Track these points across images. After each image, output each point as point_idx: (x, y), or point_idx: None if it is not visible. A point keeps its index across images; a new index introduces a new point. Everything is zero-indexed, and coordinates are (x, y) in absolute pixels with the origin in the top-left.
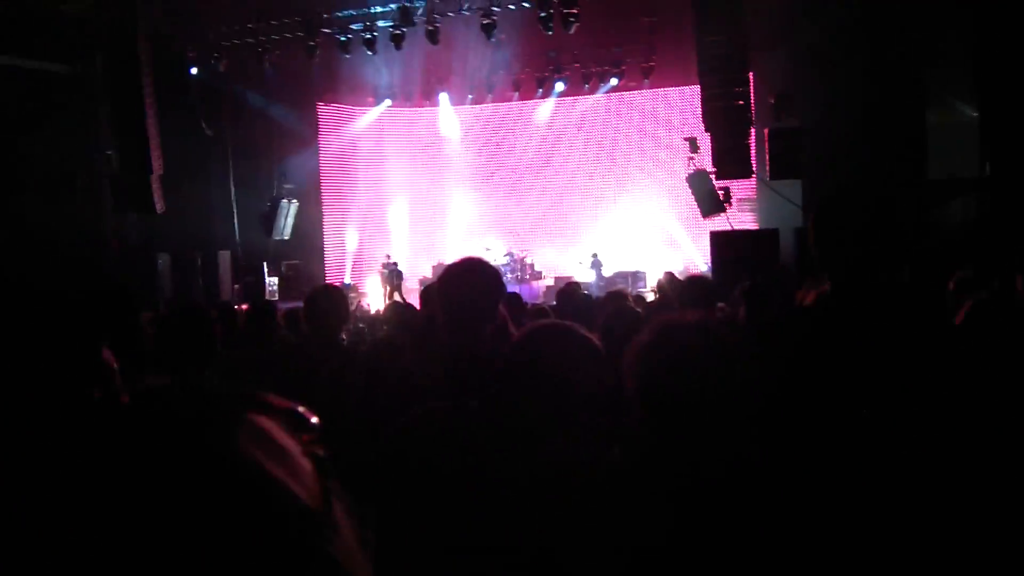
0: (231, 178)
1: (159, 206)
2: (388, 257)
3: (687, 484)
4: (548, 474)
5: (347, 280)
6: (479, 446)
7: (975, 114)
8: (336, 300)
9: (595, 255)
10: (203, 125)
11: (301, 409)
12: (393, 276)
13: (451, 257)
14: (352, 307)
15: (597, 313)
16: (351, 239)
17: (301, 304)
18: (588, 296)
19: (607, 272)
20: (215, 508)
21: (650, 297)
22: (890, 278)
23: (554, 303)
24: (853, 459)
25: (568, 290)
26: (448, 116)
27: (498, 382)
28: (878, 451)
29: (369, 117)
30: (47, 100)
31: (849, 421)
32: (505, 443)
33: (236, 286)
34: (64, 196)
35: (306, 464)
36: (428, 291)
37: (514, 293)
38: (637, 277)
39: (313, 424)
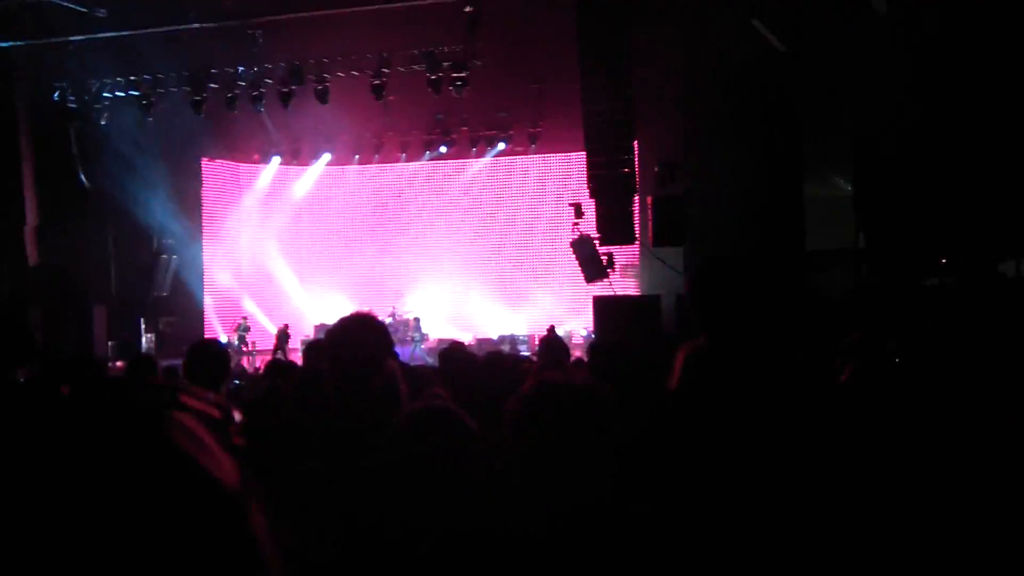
0: (109, 232)
1: (32, 258)
2: (286, 326)
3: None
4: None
5: (223, 339)
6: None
7: (849, 188)
8: (217, 355)
9: (416, 319)
10: (82, 177)
11: (215, 411)
12: (281, 338)
13: (335, 317)
14: (232, 364)
15: (480, 374)
16: (235, 296)
17: (179, 361)
18: (473, 356)
19: (491, 334)
20: (158, 486)
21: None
22: (766, 338)
23: (436, 363)
24: (724, 509)
25: (451, 351)
26: (333, 176)
27: (380, 458)
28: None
29: (255, 174)
30: None
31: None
32: (384, 508)
33: (111, 342)
34: None
35: (224, 455)
36: (313, 346)
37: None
38: (516, 339)
39: (232, 418)
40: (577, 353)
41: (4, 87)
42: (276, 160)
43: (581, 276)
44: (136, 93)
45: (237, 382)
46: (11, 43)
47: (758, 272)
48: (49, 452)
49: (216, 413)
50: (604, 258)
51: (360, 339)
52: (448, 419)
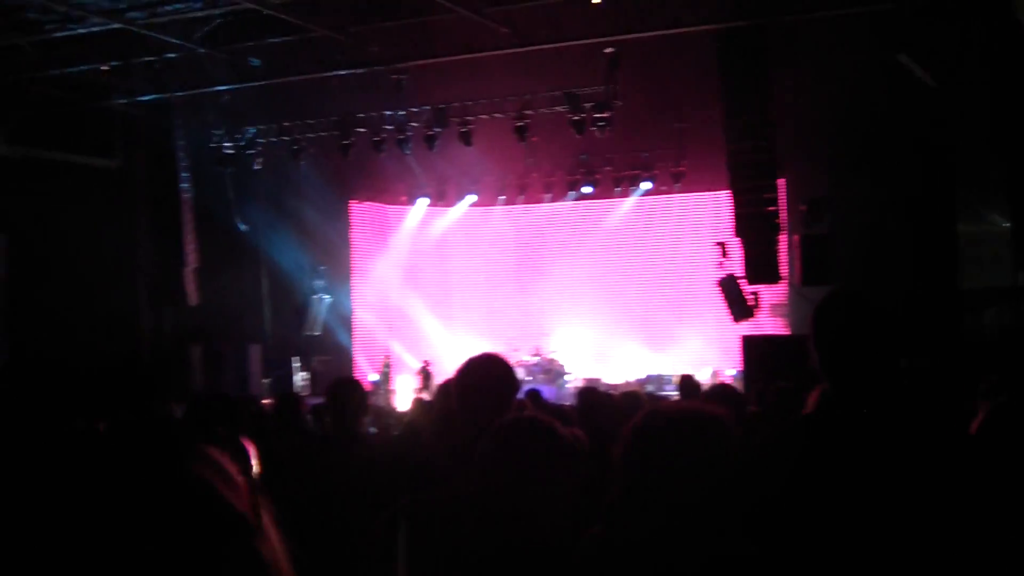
0: (264, 272)
1: (192, 298)
2: (427, 363)
3: (664, 562)
4: (533, 555)
5: (372, 377)
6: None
7: (1007, 224)
8: (355, 392)
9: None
10: (238, 220)
11: (243, 441)
12: (425, 377)
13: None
14: (381, 402)
15: (616, 413)
16: (381, 336)
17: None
18: (609, 396)
19: (639, 375)
20: (173, 510)
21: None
22: (893, 381)
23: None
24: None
25: (588, 391)
26: (478, 216)
27: (478, 474)
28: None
29: (402, 215)
30: (91, 193)
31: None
32: (492, 525)
33: (265, 380)
34: (103, 287)
35: (242, 482)
36: (445, 386)
37: (534, 390)
38: (663, 380)
39: (249, 453)
40: None
41: (165, 136)
42: (422, 202)
43: (728, 316)
44: (287, 138)
45: (373, 430)
46: (172, 94)
47: (886, 307)
48: (82, 479)
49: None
50: (750, 297)
51: (485, 379)
52: (536, 427)
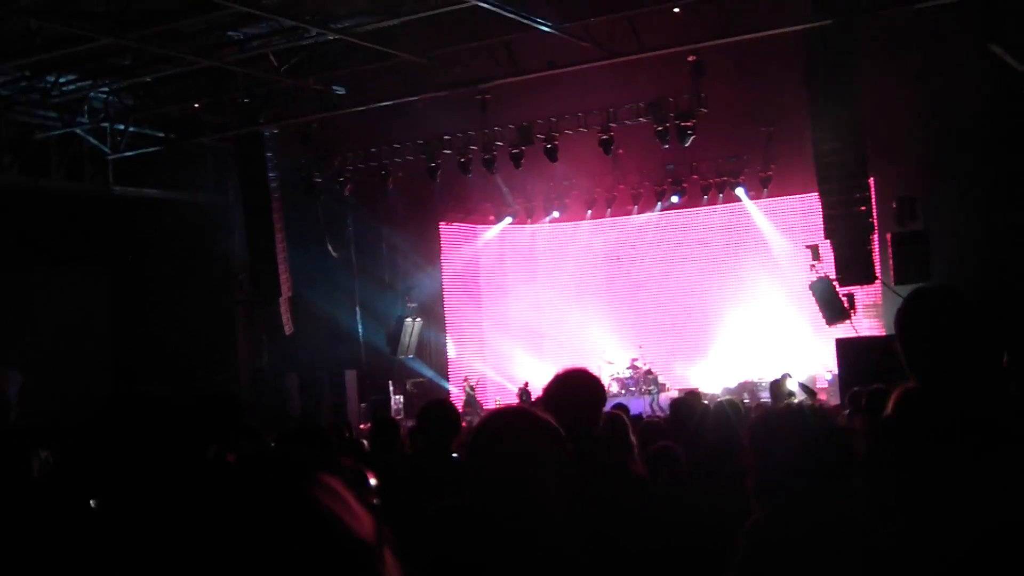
0: (356, 298)
1: (288, 328)
2: (527, 384)
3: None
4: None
5: (468, 390)
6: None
7: None
8: (447, 413)
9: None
10: (329, 248)
11: (360, 470)
12: (523, 396)
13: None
14: (475, 422)
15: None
16: (474, 356)
17: None
18: (705, 407)
19: (731, 382)
20: (296, 537)
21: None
22: (986, 384)
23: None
24: None
25: (682, 400)
26: (567, 232)
27: (467, 482)
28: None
29: (490, 235)
30: (187, 228)
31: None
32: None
33: (362, 404)
34: (202, 319)
35: (362, 510)
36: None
37: (621, 404)
38: (756, 386)
39: (370, 482)
40: (823, 396)
41: (258, 168)
42: (508, 220)
43: (822, 319)
44: (375, 164)
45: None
46: (261, 127)
47: (977, 301)
48: (213, 508)
49: (355, 477)
50: (844, 299)
51: (572, 393)
52: (527, 418)
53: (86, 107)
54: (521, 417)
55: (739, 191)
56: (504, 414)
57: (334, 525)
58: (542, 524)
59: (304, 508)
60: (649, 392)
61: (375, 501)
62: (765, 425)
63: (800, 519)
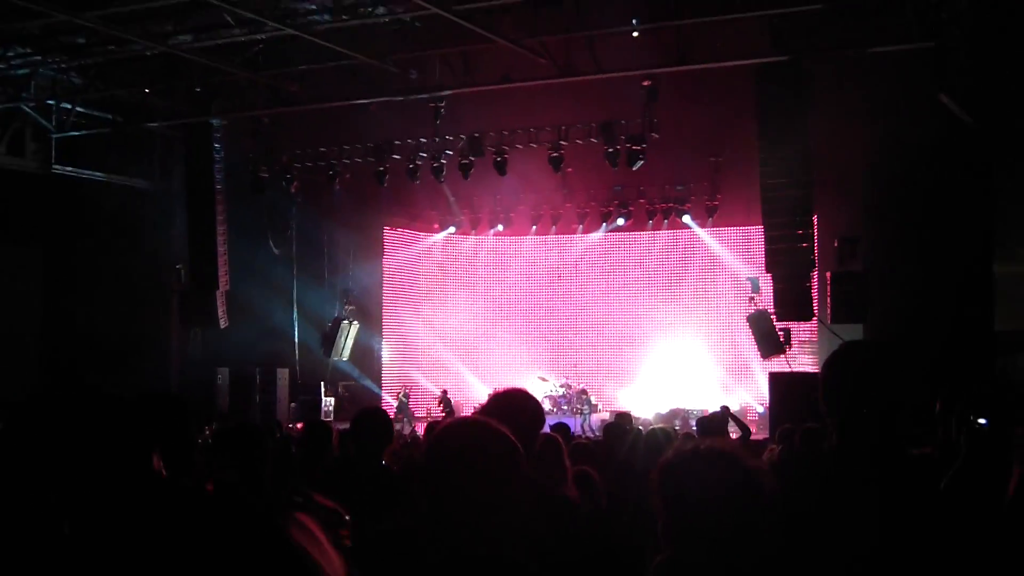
0: (294, 297)
1: (223, 322)
2: (445, 392)
3: None
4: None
5: (402, 398)
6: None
7: None
8: (381, 423)
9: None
10: (271, 244)
11: (337, 509)
12: (446, 405)
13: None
14: (407, 431)
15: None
16: (406, 364)
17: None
18: (638, 431)
19: (665, 408)
20: (273, 573)
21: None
22: (902, 434)
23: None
24: None
25: (614, 425)
26: (510, 246)
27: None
28: None
29: (434, 243)
30: (127, 213)
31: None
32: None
33: (292, 404)
34: (135, 306)
35: (333, 552)
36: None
37: (562, 423)
38: (688, 414)
39: (344, 520)
40: (753, 429)
41: (205, 158)
42: (452, 229)
43: (757, 351)
44: (323, 163)
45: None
46: (212, 117)
47: (903, 360)
48: (182, 537)
49: (330, 516)
50: (781, 333)
51: (511, 414)
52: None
53: (32, 83)
54: (487, 431)
55: (686, 218)
56: (468, 426)
57: (307, 567)
58: (504, 549)
59: (280, 547)
60: (581, 412)
61: (347, 543)
62: (672, 471)
63: (706, 561)
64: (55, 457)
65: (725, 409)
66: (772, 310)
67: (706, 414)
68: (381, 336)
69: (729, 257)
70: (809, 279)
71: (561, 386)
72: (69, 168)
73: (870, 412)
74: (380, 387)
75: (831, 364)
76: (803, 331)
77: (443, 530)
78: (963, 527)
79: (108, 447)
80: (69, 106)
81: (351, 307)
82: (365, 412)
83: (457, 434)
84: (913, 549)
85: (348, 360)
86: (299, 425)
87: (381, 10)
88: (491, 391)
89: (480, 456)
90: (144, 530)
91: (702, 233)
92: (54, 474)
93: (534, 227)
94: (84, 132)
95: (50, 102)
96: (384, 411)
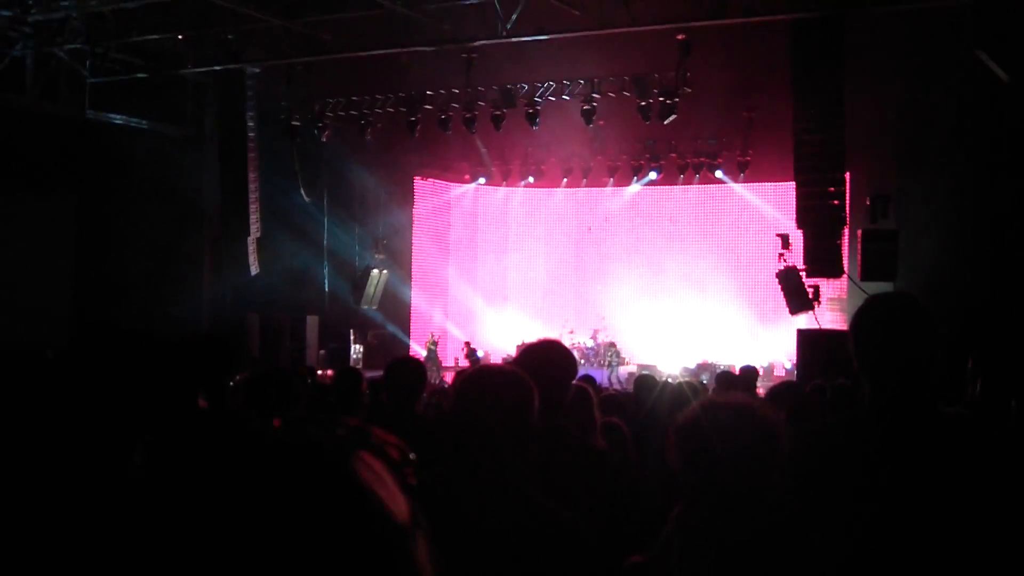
0: (324, 244)
1: (254, 268)
2: (468, 343)
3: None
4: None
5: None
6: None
7: None
8: (414, 372)
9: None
10: (302, 192)
11: (402, 447)
12: (470, 355)
13: (534, 337)
14: (435, 380)
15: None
16: (437, 312)
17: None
18: (666, 382)
19: (693, 363)
20: (340, 511)
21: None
22: (937, 392)
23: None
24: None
25: (644, 378)
26: (541, 198)
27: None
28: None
29: (465, 193)
30: (161, 160)
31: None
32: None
33: (321, 351)
34: (168, 252)
35: (400, 494)
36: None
37: (588, 375)
38: (715, 368)
39: (409, 459)
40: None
41: (237, 105)
42: (483, 180)
43: (786, 307)
44: (355, 113)
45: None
46: (244, 64)
47: (931, 312)
48: (247, 479)
49: (395, 453)
50: (810, 290)
51: (544, 364)
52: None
53: (66, 28)
54: (503, 378)
55: (717, 173)
56: (486, 375)
57: (374, 507)
58: (529, 491)
59: (347, 487)
60: (609, 364)
61: (412, 481)
62: (689, 424)
63: (723, 514)
64: (117, 393)
65: (752, 369)
66: (802, 266)
67: (732, 370)
68: (411, 284)
69: (759, 213)
70: (839, 236)
71: (590, 338)
72: (103, 113)
73: (901, 364)
74: (408, 335)
75: (859, 316)
76: (832, 288)
77: (470, 475)
78: (1011, 491)
79: (161, 386)
80: (103, 52)
81: (381, 255)
82: (399, 361)
83: (476, 382)
84: (953, 511)
85: (377, 309)
86: (329, 372)
87: None
88: (518, 343)
89: (496, 403)
90: (218, 464)
91: (735, 187)
92: (119, 409)
93: (565, 179)
94: (117, 78)
95: (84, 47)
96: (418, 360)
